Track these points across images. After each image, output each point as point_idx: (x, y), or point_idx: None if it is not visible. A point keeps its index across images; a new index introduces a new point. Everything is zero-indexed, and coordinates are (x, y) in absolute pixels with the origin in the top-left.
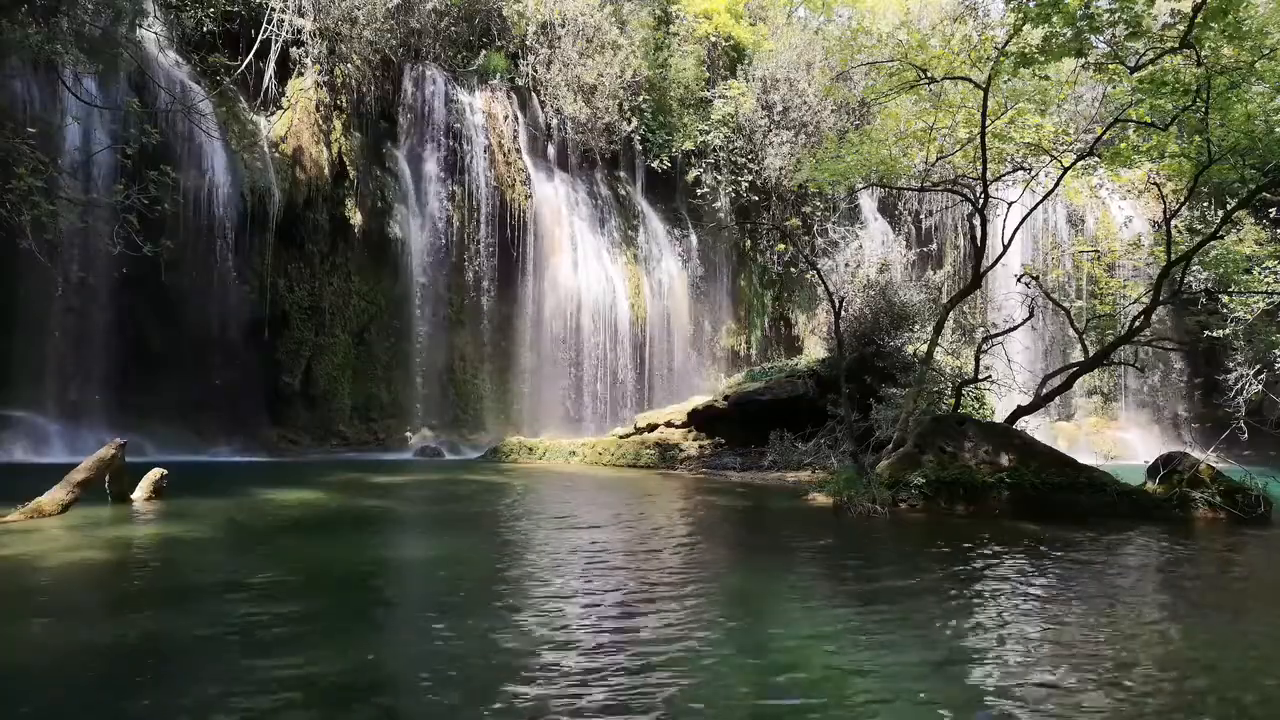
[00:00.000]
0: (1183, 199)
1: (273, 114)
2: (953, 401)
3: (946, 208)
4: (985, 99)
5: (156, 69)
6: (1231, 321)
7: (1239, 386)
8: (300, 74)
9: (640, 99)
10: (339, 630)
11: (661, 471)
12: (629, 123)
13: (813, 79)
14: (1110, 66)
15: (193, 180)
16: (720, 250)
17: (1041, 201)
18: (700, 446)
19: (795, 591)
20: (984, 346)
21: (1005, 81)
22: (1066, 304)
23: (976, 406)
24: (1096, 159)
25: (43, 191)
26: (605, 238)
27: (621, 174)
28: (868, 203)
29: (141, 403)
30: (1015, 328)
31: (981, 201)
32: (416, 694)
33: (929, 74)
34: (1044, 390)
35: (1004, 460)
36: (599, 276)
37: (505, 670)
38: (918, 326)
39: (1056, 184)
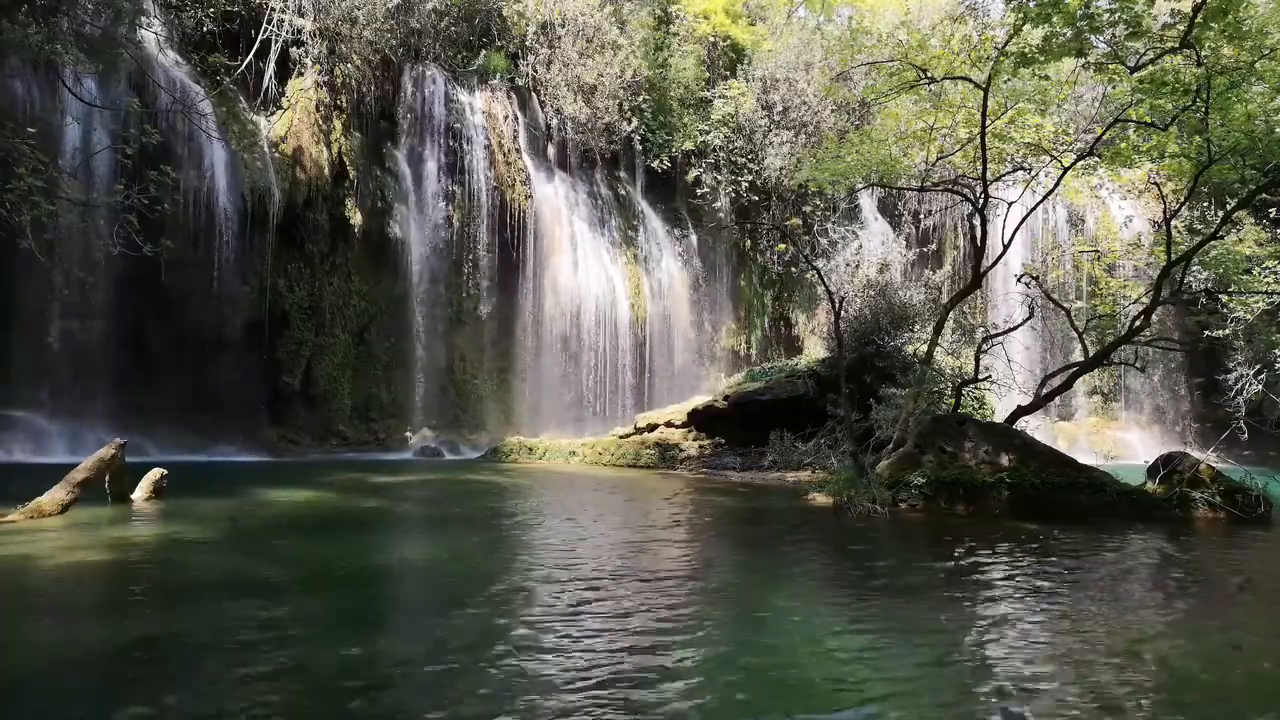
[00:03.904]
0: (1183, 199)
1: (273, 114)
2: (953, 401)
3: (946, 208)
4: (985, 99)
5: (156, 69)
6: (1231, 321)
7: (1239, 386)
8: (300, 74)
9: (640, 99)
10: (339, 630)
11: (661, 471)
12: (629, 123)
13: (812, 79)
14: (1110, 66)
15: (193, 180)
16: (720, 250)
17: (1041, 201)
18: (700, 446)
19: (795, 591)
20: (984, 346)
21: (1005, 81)
22: (1066, 304)
23: (976, 406)
24: (1096, 159)
25: (43, 191)
26: (605, 238)
27: (621, 174)
28: (868, 203)
29: (141, 403)
30: (1015, 328)
31: (981, 201)
32: (417, 694)
33: (929, 74)
34: (1044, 390)
35: (1004, 460)
36: (599, 276)
37: (506, 670)
38: (918, 326)
39: (1056, 184)
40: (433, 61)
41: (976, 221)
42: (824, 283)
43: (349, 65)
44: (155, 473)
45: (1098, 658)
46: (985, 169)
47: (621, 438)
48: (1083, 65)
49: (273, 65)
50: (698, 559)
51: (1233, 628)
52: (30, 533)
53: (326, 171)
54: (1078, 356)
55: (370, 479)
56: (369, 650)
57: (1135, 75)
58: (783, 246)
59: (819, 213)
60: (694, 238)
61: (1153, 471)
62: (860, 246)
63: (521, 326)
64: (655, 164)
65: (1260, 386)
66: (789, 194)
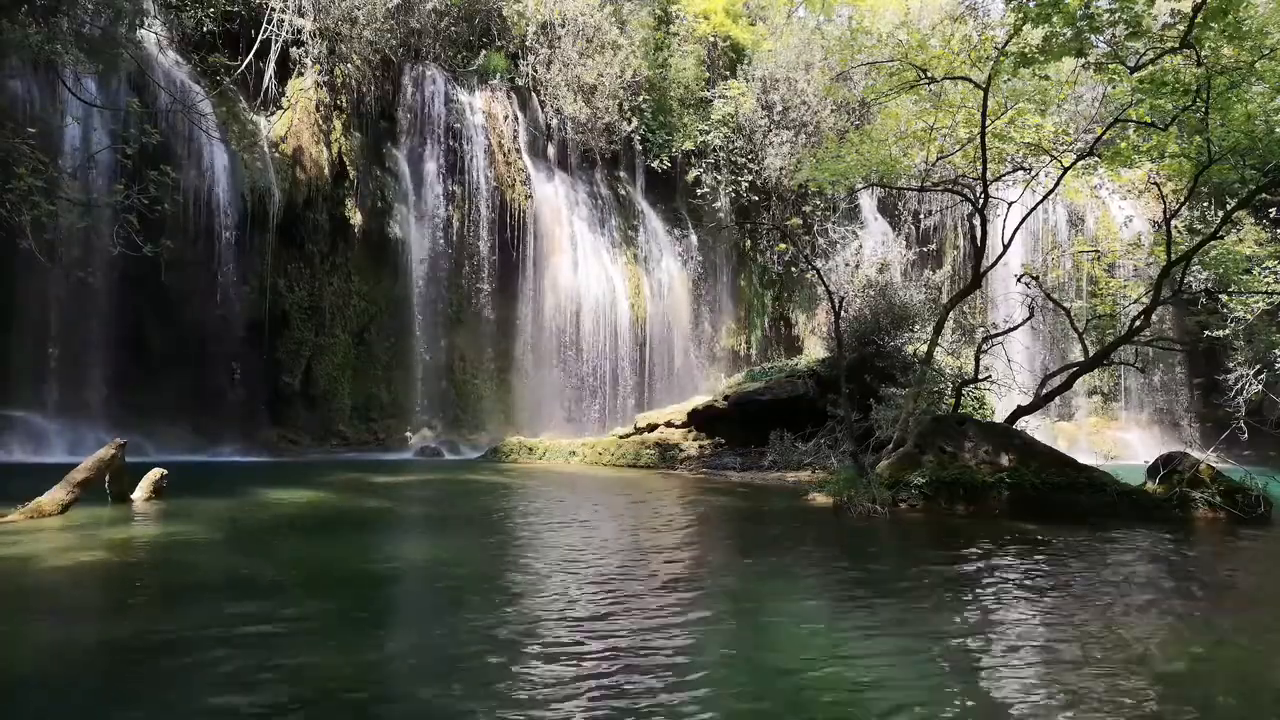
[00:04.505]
0: (1183, 199)
1: (273, 114)
2: (953, 401)
3: (946, 208)
4: (985, 99)
5: (156, 69)
6: (1231, 321)
7: (1239, 386)
8: (300, 74)
9: (640, 99)
10: (339, 631)
11: (661, 471)
12: (629, 123)
13: (812, 79)
14: (1110, 66)
15: (193, 180)
16: (720, 250)
17: (1041, 201)
18: (700, 446)
19: (796, 592)
20: (984, 346)
21: (1005, 81)
22: (1066, 304)
23: (976, 406)
24: (1096, 159)
25: (43, 191)
26: (605, 238)
27: (621, 174)
28: (868, 203)
29: (141, 403)
30: (1015, 328)
31: (981, 201)
32: (416, 695)
33: (929, 74)
34: (1044, 390)
35: (1004, 460)
36: (599, 276)
37: (506, 672)
38: (918, 326)
39: (1056, 184)
40: (433, 61)
41: (976, 221)
42: (824, 283)
43: (349, 65)
44: (155, 473)
45: (1098, 659)
46: (985, 169)
47: (621, 438)
48: (1083, 65)
49: (273, 65)
50: (698, 560)
51: (1234, 628)
52: (30, 533)
53: (326, 171)
54: (1078, 356)
55: (370, 479)
56: (370, 652)
57: (1135, 75)
58: (783, 246)
59: (819, 213)
60: (694, 238)
61: (1153, 471)
62: (860, 246)
63: (521, 326)
64: (655, 164)
65: (1260, 386)
66: (789, 194)
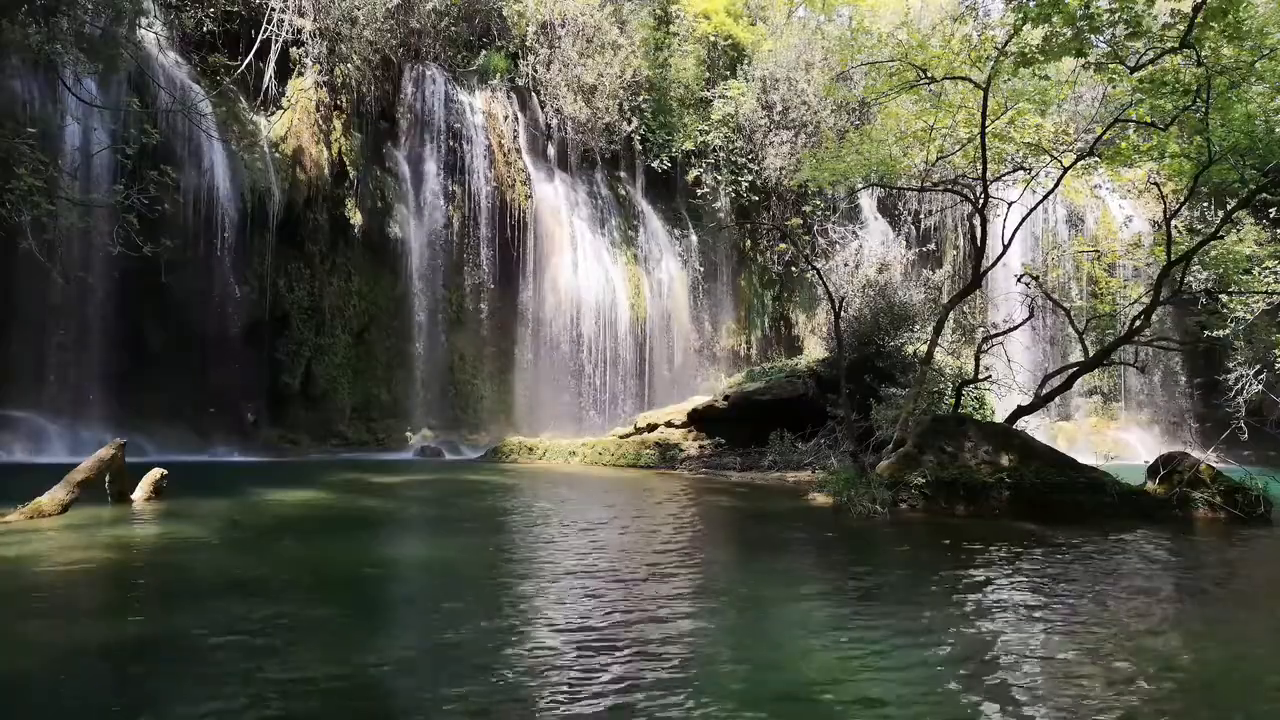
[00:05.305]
0: (1183, 199)
1: (273, 114)
2: (953, 401)
3: (946, 208)
4: (985, 99)
5: (156, 69)
6: (1231, 321)
7: (1239, 386)
8: (300, 74)
9: (640, 99)
10: (339, 632)
11: (661, 471)
12: (629, 123)
13: (812, 79)
14: (1110, 66)
15: (193, 180)
16: (720, 250)
17: (1041, 201)
18: (700, 446)
19: (796, 593)
20: (984, 346)
21: (1005, 81)
22: (1066, 304)
23: (976, 406)
24: (1096, 159)
25: (43, 191)
26: (605, 238)
27: (621, 174)
28: (868, 203)
29: (141, 403)
30: (1015, 328)
31: (981, 201)
32: (416, 696)
33: (929, 74)
34: (1044, 390)
35: (1004, 460)
36: (599, 276)
37: (506, 673)
38: (918, 326)
39: (1056, 184)
40: (433, 61)
41: (976, 221)
42: (824, 283)
43: (349, 65)
44: (155, 473)
45: (1098, 661)
46: (985, 169)
47: (621, 438)
48: (1083, 65)
49: (273, 65)
50: (698, 560)
51: (1234, 630)
52: (30, 533)
53: (326, 171)
54: (1078, 356)
55: (370, 479)
56: (371, 653)
57: (1135, 75)
58: (783, 246)
59: (819, 213)
60: (694, 238)
61: (1153, 471)
62: (860, 246)
63: (521, 326)
64: (655, 164)
65: (1260, 386)
66: (789, 194)
